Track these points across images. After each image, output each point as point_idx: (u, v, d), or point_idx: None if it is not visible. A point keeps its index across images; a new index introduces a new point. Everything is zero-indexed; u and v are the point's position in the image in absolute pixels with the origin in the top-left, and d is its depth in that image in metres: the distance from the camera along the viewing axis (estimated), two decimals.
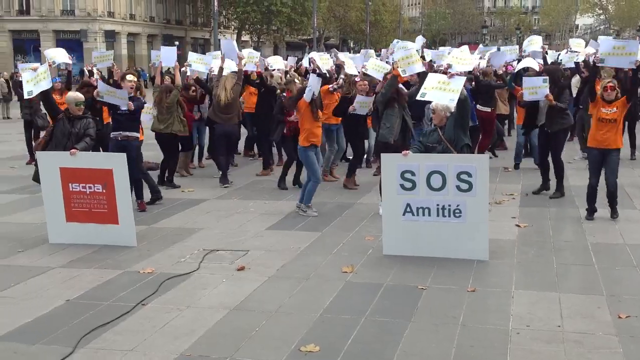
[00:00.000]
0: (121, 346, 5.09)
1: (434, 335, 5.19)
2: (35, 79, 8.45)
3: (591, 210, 8.58)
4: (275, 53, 44.26)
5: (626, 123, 13.06)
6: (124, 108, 9.07)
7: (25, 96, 8.69)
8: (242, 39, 56.03)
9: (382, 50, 19.11)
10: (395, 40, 15.53)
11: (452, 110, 7.42)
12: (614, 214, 8.54)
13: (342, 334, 5.21)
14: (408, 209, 7.13)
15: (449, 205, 6.99)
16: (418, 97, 7.76)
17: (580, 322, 5.36)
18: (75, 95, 8.60)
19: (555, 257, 7.07)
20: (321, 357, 4.85)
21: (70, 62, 11.42)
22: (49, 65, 10.10)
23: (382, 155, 7.59)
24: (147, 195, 9.72)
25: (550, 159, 9.97)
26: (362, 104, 10.27)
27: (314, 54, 13.80)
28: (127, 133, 9.28)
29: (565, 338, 5.06)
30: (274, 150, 13.08)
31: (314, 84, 9.15)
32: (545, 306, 5.70)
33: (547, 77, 9.65)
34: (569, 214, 8.85)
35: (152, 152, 12.46)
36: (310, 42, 56.87)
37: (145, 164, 11.13)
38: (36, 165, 8.39)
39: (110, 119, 10.11)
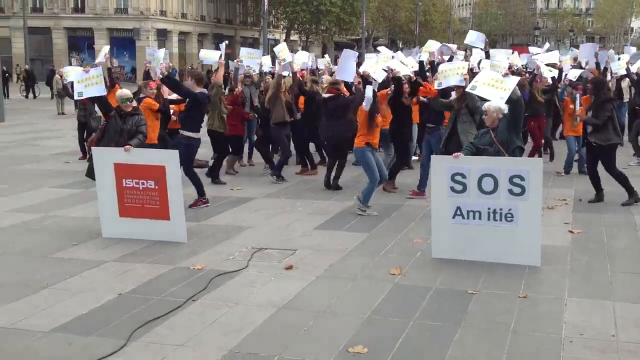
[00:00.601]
0: (172, 341, 5.17)
1: (484, 340, 5.12)
2: (86, 81, 8.59)
3: None
4: (324, 53, 44.24)
5: None
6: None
7: (75, 97, 8.89)
8: (291, 38, 56.29)
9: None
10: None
11: (505, 112, 7.32)
12: None
13: (390, 337, 5.18)
14: (458, 212, 7.05)
15: (501, 209, 6.89)
16: (468, 89, 7.73)
17: (636, 331, 5.22)
18: (121, 92, 8.77)
19: (609, 264, 6.90)
20: (369, 359, 4.83)
21: (104, 59, 11.44)
22: (107, 58, 10.28)
23: (432, 157, 7.53)
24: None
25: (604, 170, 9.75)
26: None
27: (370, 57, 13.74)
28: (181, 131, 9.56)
29: (619, 348, 4.93)
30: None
31: (369, 95, 9.16)
32: (599, 315, 5.57)
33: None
34: (624, 221, 8.64)
35: (203, 150, 12.57)
36: (359, 42, 56.77)
37: (195, 161, 11.31)
38: (89, 161, 8.57)
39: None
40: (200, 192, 9.69)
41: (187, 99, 9.65)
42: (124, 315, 5.66)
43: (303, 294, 6.20)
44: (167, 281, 6.54)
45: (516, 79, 7.53)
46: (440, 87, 9.36)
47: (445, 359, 4.81)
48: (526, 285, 6.29)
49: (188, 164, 9.55)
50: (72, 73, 9.46)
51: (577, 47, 16.18)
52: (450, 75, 9.08)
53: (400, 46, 67.42)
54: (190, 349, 5.03)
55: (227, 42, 13.07)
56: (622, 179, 9.60)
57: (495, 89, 7.35)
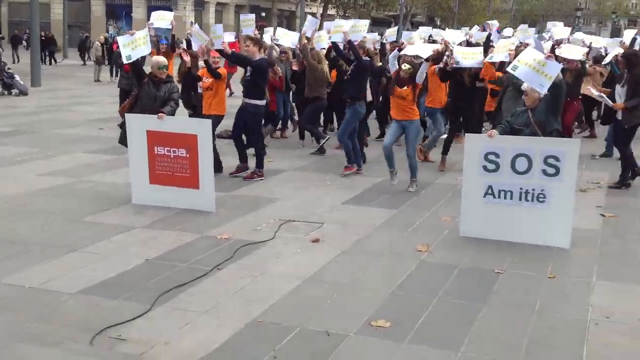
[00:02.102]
0: (196, 307, 5.22)
1: (508, 320, 5.08)
2: (133, 43, 8.55)
3: None
4: None
5: None
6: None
7: (125, 61, 8.77)
8: (328, 12, 55.87)
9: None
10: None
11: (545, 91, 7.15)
12: None
13: (414, 312, 5.17)
14: (489, 191, 6.97)
15: (533, 190, 6.79)
16: (509, 69, 7.56)
17: None
18: (157, 58, 8.79)
19: None
20: (391, 333, 4.82)
21: (170, 26, 11.66)
22: (149, 28, 10.30)
23: (467, 135, 7.44)
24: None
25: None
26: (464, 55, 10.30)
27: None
28: (247, 100, 9.58)
29: None
30: None
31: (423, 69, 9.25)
32: (627, 299, 5.49)
33: (602, 95, 9.57)
34: None
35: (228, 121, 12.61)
36: (397, 19, 56.15)
37: (225, 132, 11.36)
38: (122, 128, 8.63)
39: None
40: (260, 163, 9.80)
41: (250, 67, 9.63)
42: (150, 281, 5.73)
43: (328, 267, 6.21)
44: (193, 249, 6.60)
45: (559, 66, 7.28)
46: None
47: (467, 336, 4.78)
48: (554, 267, 6.22)
49: (257, 132, 9.75)
50: (124, 35, 9.47)
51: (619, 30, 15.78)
52: (470, 57, 9.19)
53: (439, 23, 66.52)
54: (214, 317, 5.07)
55: (263, 14, 13.06)
56: (630, 161, 9.41)
57: (537, 72, 7.06)
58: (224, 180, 9.48)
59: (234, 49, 10.78)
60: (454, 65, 10.07)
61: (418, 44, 9.77)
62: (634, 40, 13.02)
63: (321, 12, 54.41)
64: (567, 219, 6.77)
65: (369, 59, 10.63)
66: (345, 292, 5.60)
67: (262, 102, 9.76)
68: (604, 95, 9.54)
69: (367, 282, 5.83)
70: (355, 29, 10.56)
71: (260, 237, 6.99)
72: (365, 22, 10.95)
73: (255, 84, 9.54)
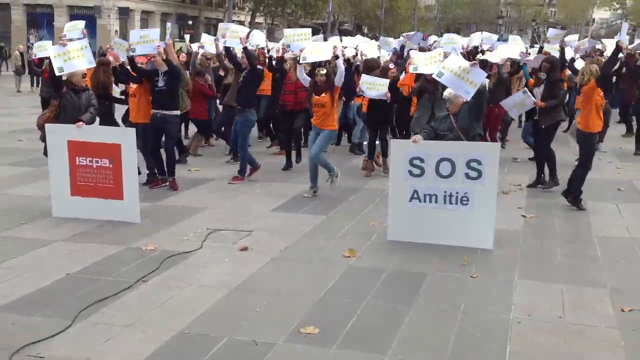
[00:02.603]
0: (120, 321, 5.07)
1: (434, 321, 5.15)
2: (65, 55, 8.06)
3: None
4: None
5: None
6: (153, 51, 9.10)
7: (57, 73, 8.12)
8: (256, 20, 55.77)
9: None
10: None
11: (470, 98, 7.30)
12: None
13: (342, 318, 5.17)
14: (415, 195, 7.07)
15: (457, 193, 6.93)
16: (434, 76, 7.69)
17: (583, 314, 5.30)
18: None
19: (560, 248, 7.00)
20: (320, 339, 4.81)
21: (82, 36, 11.33)
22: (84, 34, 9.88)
23: (392, 140, 7.53)
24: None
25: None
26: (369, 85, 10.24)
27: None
28: (164, 112, 9.26)
29: (566, 329, 5.01)
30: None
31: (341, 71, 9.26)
32: (548, 297, 5.64)
33: (526, 90, 9.75)
34: (574, 208, 8.74)
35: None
36: (324, 27, 56.53)
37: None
38: (43, 140, 8.33)
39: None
40: (162, 170, 9.61)
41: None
42: (71, 296, 5.54)
43: (256, 275, 6.16)
44: (117, 262, 6.43)
45: (484, 74, 7.47)
46: (416, 72, 9.87)
47: (395, 339, 4.82)
48: (478, 267, 6.35)
49: (175, 139, 9.66)
50: (44, 48, 8.91)
51: (539, 36, 16.47)
52: (430, 63, 9.32)
53: (366, 32, 67.34)
54: (139, 330, 4.95)
55: (190, 22, 12.88)
56: (551, 160, 9.76)
57: (462, 80, 7.23)
58: (150, 190, 9.29)
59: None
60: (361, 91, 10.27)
61: (314, 47, 9.59)
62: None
63: (249, 20, 54.27)
64: (490, 220, 6.93)
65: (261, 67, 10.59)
66: (274, 300, 5.56)
67: (179, 112, 9.62)
68: (527, 91, 9.78)
69: (296, 289, 5.81)
70: (296, 38, 10.45)
71: (187, 248, 6.87)
72: (307, 31, 10.73)
73: (173, 94, 9.35)
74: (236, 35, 10.40)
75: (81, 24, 11.62)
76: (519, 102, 9.72)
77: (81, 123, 7.76)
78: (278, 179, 10.39)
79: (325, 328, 4.98)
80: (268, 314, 5.28)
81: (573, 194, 8.66)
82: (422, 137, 7.23)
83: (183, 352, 4.61)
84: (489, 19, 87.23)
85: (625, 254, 6.82)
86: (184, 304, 5.44)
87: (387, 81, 10.21)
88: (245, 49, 9.94)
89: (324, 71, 9.10)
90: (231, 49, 10.56)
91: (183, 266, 6.36)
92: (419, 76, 10.30)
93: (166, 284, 5.85)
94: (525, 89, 9.91)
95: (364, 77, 10.21)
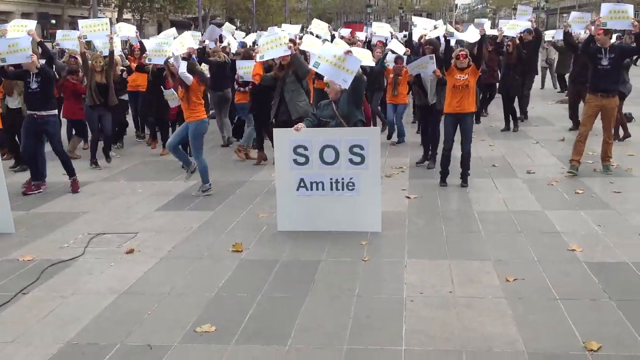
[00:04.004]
0: (2, 337, 4.74)
1: (330, 308, 5.17)
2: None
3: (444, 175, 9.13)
4: (160, 32, 42.68)
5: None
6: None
7: None
8: (124, 17, 53.96)
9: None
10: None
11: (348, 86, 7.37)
12: (464, 183, 9.02)
13: (238, 313, 5.09)
14: (302, 184, 7.08)
15: (342, 179, 7.00)
16: (310, 66, 7.72)
17: (471, 287, 5.50)
18: None
19: (444, 226, 7.24)
20: (218, 337, 4.71)
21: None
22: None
23: (275, 130, 7.48)
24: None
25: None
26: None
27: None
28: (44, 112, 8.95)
29: (457, 303, 5.17)
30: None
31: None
32: (437, 273, 5.82)
33: (434, 55, 9.93)
34: (456, 185, 9.09)
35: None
36: (196, 21, 55.57)
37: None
38: None
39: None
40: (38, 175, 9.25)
41: None
42: None
43: (145, 277, 5.95)
44: None
45: (359, 61, 7.55)
46: (263, 60, 9.77)
47: (293, 329, 4.79)
48: (368, 251, 6.45)
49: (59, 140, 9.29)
50: None
51: (407, 24, 17.04)
52: (273, 47, 9.25)
53: (238, 24, 66.85)
54: (22, 345, 4.65)
55: (54, 21, 12.47)
56: (436, 142, 10.19)
57: (338, 68, 7.33)
58: (22, 198, 8.77)
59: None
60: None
61: (267, 43, 9.50)
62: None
63: (116, 17, 52.42)
64: (376, 204, 7.05)
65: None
66: (166, 301, 5.39)
67: (56, 111, 9.28)
68: (434, 57, 9.99)
69: (188, 288, 5.66)
70: (93, 29, 10.99)
71: (69, 255, 6.54)
72: (104, 21, 11.47)
73: (48, 94, 8.99)
74: (161, 53, 10.26)
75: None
76: (422, 65, 10.00)
77: None
78: (163, 177, 10.10)
79: (221, 325, 4.88)
80: (160, 316, 5.11)
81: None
82: (305, 125, 7.24)
83: None
84: (358, 8, 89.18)
85: (505, 227, 7.15)
86: (69, 314, 5.16)
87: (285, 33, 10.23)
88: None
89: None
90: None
91: (65, 275, 6.04)
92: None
93: (48, 295, 5.54)
94: (433, 55, 10.08)
95: (261, 39, 10.23)
